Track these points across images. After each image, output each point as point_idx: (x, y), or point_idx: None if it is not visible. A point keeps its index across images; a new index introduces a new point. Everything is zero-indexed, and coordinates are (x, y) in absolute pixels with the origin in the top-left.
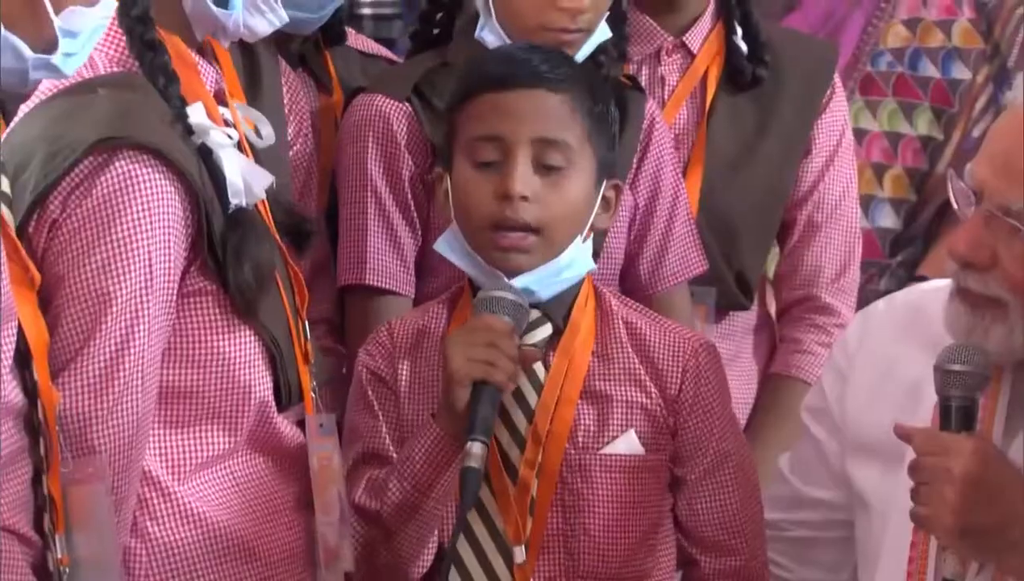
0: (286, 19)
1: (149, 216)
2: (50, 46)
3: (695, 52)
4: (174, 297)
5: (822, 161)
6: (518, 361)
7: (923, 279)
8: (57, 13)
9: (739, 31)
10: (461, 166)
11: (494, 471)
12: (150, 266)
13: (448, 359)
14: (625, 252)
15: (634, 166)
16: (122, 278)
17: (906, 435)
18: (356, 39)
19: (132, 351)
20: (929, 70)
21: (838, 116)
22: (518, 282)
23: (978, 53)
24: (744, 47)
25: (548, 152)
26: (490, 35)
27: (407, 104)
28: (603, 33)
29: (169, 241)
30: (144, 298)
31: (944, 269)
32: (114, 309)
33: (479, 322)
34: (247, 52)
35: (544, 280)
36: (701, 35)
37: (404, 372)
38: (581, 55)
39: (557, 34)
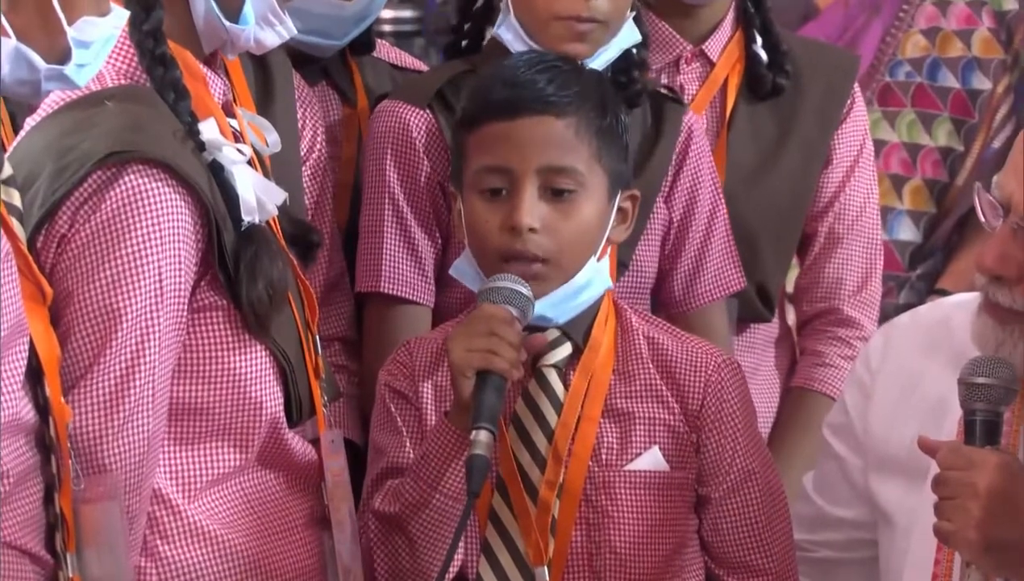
0: (295, 31)
1: (159, 231)
2: (63, 57)
3: (715, 61)
4: (184, 312)
5: (842, 172)
6: (520, 348)
7: (943, 292)
8: (70, 24)
9: (759, 40)
10: (470, 194)
11: (514, 492)
12: (160, 281)
13: (449, 352)
14: (659, 267)
15: (669, 179)
16: (132, 293)
17: (930, 448)
18: (389, 52)
19: (143, 367)
20: (948, 80)
21: (858, 126)
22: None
23: (998, 63)
24: (764, 56)
25: (556, 179)
26: (507, 33)
27: (428, 111)
28: (630, 36)
29: (179, 256)
30: (154, 314)
31: (964, 282)
32: (124, 325)
33: (479, 312)
34: (260, 64)
35: (560, 305)
36: (720, 43)
37: (426, 390)
38: (606, 58)
39: (570, 23)
